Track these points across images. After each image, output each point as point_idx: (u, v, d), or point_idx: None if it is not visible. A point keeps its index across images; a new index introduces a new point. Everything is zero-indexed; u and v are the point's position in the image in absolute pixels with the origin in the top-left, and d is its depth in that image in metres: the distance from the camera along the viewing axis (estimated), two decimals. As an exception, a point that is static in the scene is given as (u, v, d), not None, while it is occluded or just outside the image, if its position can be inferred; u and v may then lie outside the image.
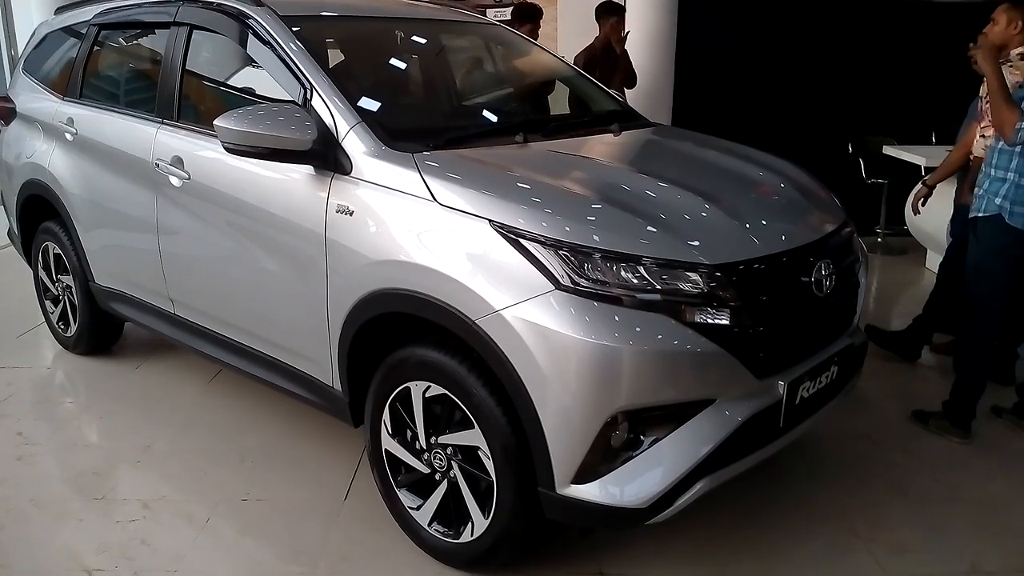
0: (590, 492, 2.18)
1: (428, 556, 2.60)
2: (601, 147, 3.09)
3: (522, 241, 2.18)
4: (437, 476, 2.52)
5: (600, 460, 2.17)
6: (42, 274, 4.35)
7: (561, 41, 7.08)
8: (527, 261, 2.16)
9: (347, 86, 2.77)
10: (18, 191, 4.25)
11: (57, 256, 4.16)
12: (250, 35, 2.97)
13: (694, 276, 2.18)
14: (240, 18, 3.03)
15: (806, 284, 2.41)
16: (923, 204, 4.24)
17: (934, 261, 5.49)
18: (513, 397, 2.21)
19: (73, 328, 4.22)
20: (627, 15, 5.87)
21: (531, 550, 2.52)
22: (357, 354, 2.65)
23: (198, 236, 3.20)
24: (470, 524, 2.45)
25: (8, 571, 2.59)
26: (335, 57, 3.16)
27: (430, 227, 2.37)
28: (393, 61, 3.53)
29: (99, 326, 4.14)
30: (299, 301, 2.77)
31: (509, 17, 6.38)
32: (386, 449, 2.65)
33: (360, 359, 2.66)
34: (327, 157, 2.61)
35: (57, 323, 4.35)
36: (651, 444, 2.19)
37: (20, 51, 5.09)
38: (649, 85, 6.01)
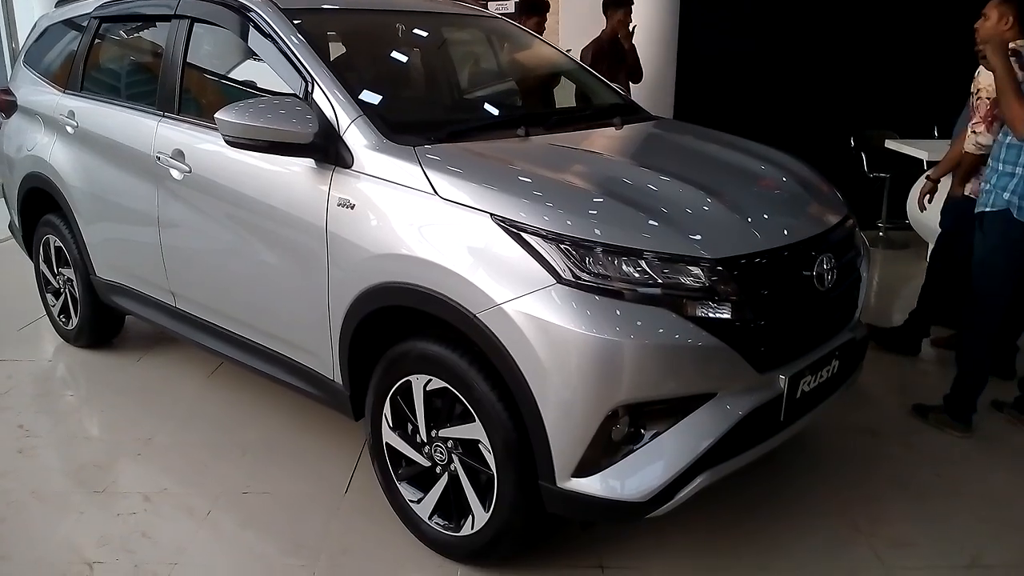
0: (591, 486, 2.18)
1: (428, 549, 2.60)
2: (603, 141, 3.08)
3: (523, 235, 2.18)
4: (438, 469, 2.52)
5: (601, 454, 2.17)
6: (43, 267, 4.35)
7: (563, 34, 7.07)
8: (528, 255, 2.16)
9: (348, 79, 2.76)
10: (19, 184, 4.25)
11: (58, 249, 4.16)
12: (251, 28, 2.97)
13: (695, 270, 2.17)
14: (241, 11, 3.02)
15: (808, 278, 2.41)
16: (929, 201, 4.23)
17: (936, 255, 5.46)
18: (514, 391, 2.21)
19: (74, 321, 4.23)
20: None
21: (532, 543, 2.53)
22: (358, 348, 2.65)
23: (199, 229, 3.20)
24: (471, 517, 2.45)
25: (9, 563, 2.60)
26: (336, 50, 3.16)
27: (431, 221, 2.36)
28: (394, 54, 3.52)
29: (100, 319, 4.14)
30: (300, 294, 2.77)
31: (511, 10, 6.37)
32: (387, 442, 2.65)
33: (361, 352, 2.65)
34: (328, 150, 2.60)
35: (58, 316, 4.35)
36: (652, 438, 2.19)
37: (21, 44, 5.08)
38: (651, 78, 6.02)
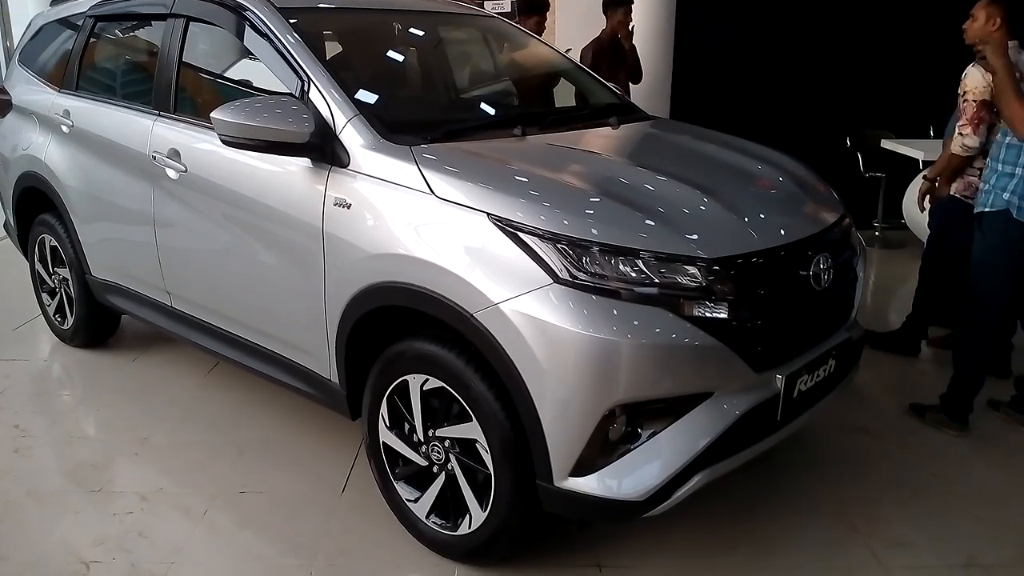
0: (588, 485, 2.18)
1: (426, 548, 2.60)
2: (599, 140, 3.08)
3: (520, 234, 2.18)
4: (435, 469, 2.52)
5: (598, 453, 2.17)
6: (38, 267, 4.34)
7: (559, 34, 7.06)
8: (525, 254, 2.16)
9: (344, 79, 2.76)
10: (14, 183, 4.23)
11: (53, 248, 4.15)
12: (247, 27, 2.96)
13: (692, 270, 2.17)
14: (237, 10, 3.01)
15: (804, 278, 2.41)
16: (930, 201, 4.23)
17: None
18: (511, 390, 2.21)
19: (70, 321, 4.22)
20: (627, 8, 5.85)
21: (529, 543, 2.53)
22: (355, 347, 2.64)
23: (195, 229, 3.19)
24: (468, 517, 2.45)
25: (6, 563, 2.59)
26: (332, 50, 3.15)
27: (428, 220, 2.36)
28: (391, 54, 3.52)
29: (96, 319, 4.13)
30: (297, 294, 2.76)
31: (507, 9, 6.36)
32: (384, 442, 2.64)
33: (358, 352, 2.65)
34: (324, 150, 2.60)
35: (54, 316, 4.34)
36: (649, 437, 2.19)
37: (16, 43, 5.07)
38: (647, 78, 6.02)
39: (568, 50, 4.60)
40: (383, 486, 2.71)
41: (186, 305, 3.39)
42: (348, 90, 2.69)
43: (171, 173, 3.19)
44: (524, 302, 2.12)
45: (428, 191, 2.37)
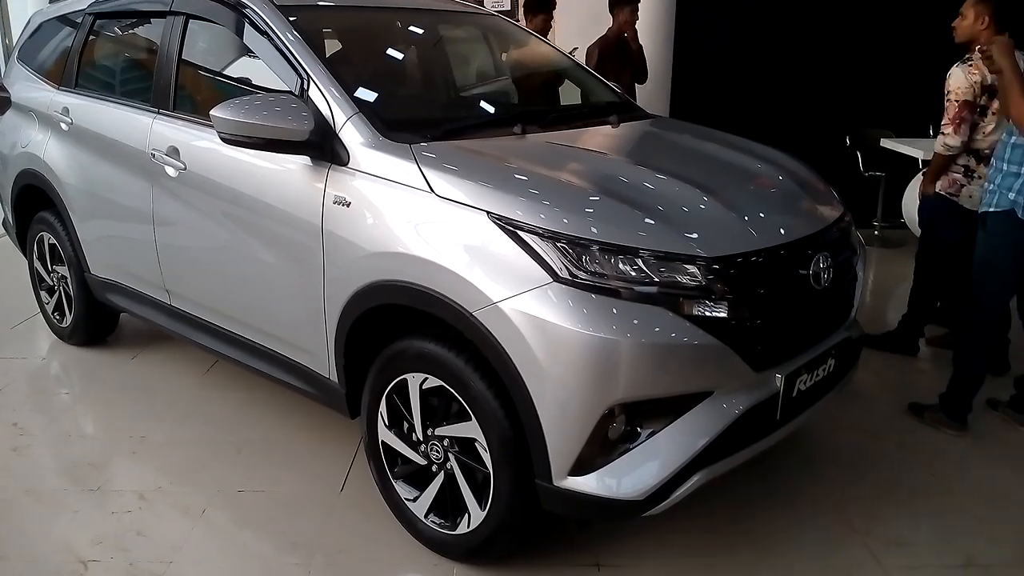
0: (587, 484, 2.17)
1: (425, 547, 2.60)
2: (599, 139, 3.08)
3: (520, 233, 2.18)
4: (434, 468, 2.52)
5: (597, 452, 2.17)
6: (37, 264, 4.33)
7: (560, 33, 7.05)
8: (525, 253, 2.15)
9: (344, 76, 2.75)
10: (13, 181, 4.23)
11: (52, 246, 4.14)
12: (246, 24, 2.96)
13: (692, 269, 2.17)
14: (237, 7, 3.01)
15: (804, 277, 2.41)
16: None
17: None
18: (510, 389, 2.20)
19: (68, 319, 4.21)
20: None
21: (528, 542, 2.53)
22: (354, 346, 2.64)
23: (194, 227, 3.18)
24: (467, 516, 2.45)
25: (4, 562, 2.59)
26: (332, 47, 3.15)
27: (427, 219, 2.36)
28: (390, 51, 3.51)
29: (94, 317, 4.13)
30: (296, 292, 2.76)
31: (507, 7, 6.34)
32: (383, 441, 2.64)
33: (357, 351, 2.65)
34: (324, 148, 2.60)
35: (52, 314, 4.33)
36: (648, 436, 2.19)
37: (15, 40, 5.06)
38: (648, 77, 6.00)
39: (574, 49, 4.59)
40: (382, 485, 2.71)
41: (185, 303, 3.39)
42: (348, 88, 2.69)
43: (170, 171, 3.18)
44: (524, 301, 2.12)
45: (428, 189, 2.37)
